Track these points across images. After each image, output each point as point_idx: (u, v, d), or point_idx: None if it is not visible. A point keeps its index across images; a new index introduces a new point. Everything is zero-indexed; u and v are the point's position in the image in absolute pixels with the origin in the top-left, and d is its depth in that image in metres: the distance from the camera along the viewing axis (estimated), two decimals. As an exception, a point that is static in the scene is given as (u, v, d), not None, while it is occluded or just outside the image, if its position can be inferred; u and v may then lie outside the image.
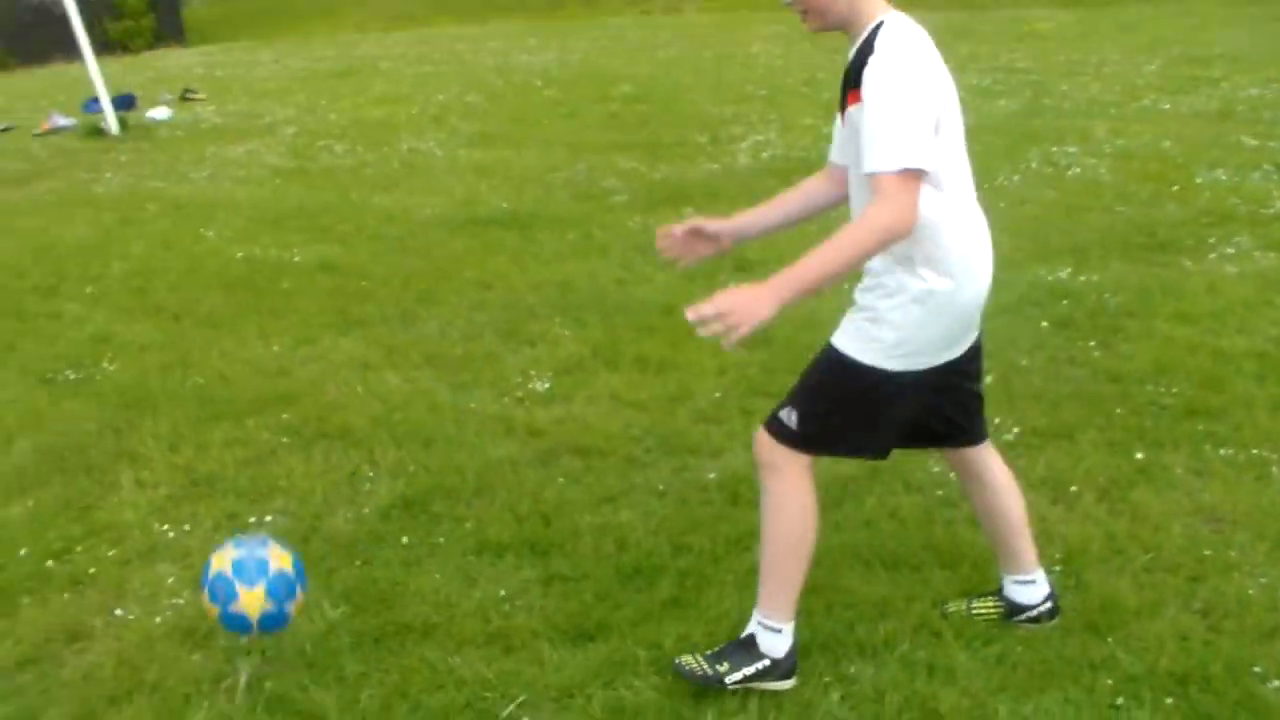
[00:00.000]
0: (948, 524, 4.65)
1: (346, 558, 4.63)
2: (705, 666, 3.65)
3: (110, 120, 17.12)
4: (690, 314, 3.12)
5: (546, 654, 3.94)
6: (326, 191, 11.52)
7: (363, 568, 4.56)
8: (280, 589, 3.62)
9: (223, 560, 3.63)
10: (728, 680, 3.61)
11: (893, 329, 3.42)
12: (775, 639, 3.66)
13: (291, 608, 3.67)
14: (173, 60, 30.71)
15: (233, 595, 3.57)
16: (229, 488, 5.32)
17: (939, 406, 3.67)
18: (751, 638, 3.69)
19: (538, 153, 12.41)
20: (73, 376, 6.97)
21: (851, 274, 3.35)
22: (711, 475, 5.13)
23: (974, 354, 3.70)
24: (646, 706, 3.65)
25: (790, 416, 3.56)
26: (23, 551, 4.94)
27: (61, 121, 18.51)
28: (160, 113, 18.28)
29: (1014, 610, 4.00)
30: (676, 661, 3.70)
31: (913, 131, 3.13)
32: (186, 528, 5.01)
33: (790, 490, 3.58)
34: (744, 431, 5.49)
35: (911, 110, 3.15)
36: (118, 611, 4.42)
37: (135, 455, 5.75)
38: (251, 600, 3.57)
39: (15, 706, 3.92)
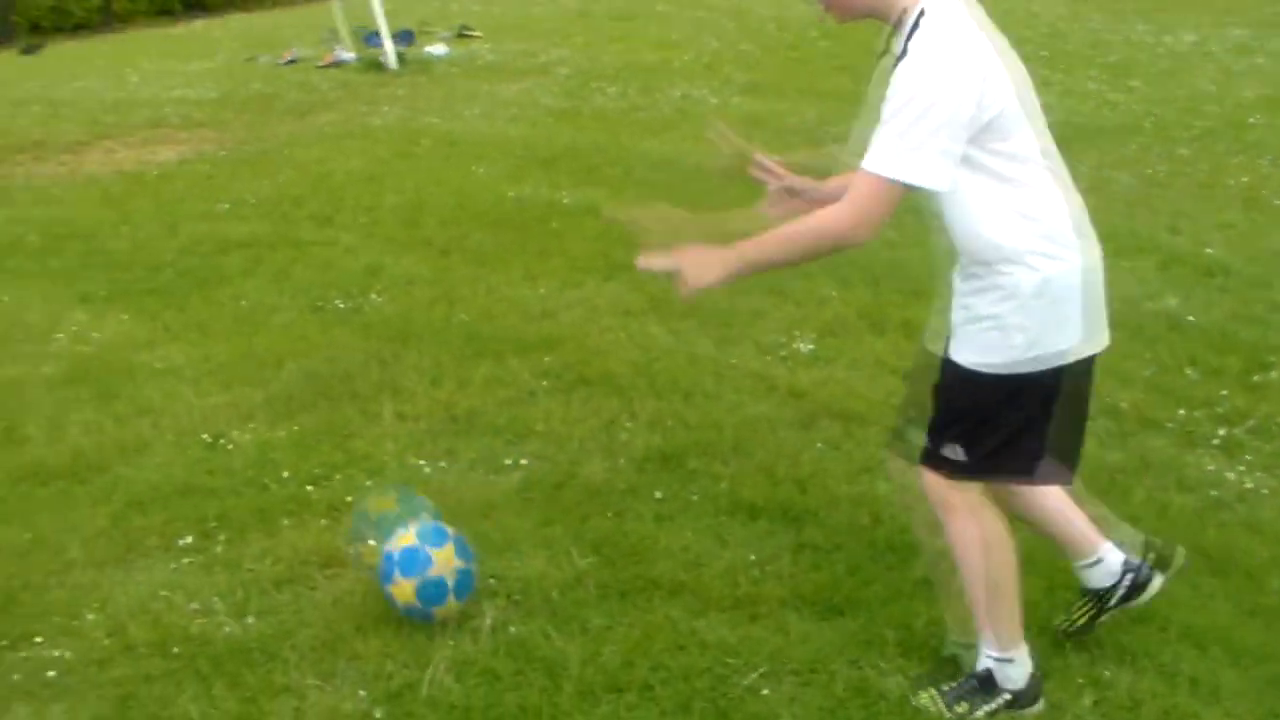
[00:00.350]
0: (1221, 527, 4.43)
1: (599, 507, 4.66)
2: (945, 709, 3.48)
3: (389, 55, 17.60)
4: (640, 263, 3.16)
5: (792, 625, 3.90)
6: (597, 133, 11.62)
7: (614, 519, 4.58)
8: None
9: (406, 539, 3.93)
10: None
11: (1021, 331, 3.18)
12: (1010, 669, 3.46)
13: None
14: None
15: (428, 561, 3.84)
16: (487, 426, 5.40)
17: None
18: (988, 673, 3.47)
19: (811, 105, 12.27)
20: (342, 306, 7.20)
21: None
22: (974, 449, 4.98)
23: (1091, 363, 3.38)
24: (891, 690, 3.57)
25: (955, 451, 3.32)
26: (285, 474, 5.13)
27: (344, 55, 19.11)
28: (437, 49, 18.72)
29: (1099, 599, 3.70)
30: (912, 704, 3.52)
31: (919, 144, 2.96)
32: (443, 464, 5.12)
33: (973, 525, 3.37)
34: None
35: (928, 122, 2.96)
36: (370, 542, 4.53)
37: (398, 388, 5.90)
38: (444, 559, 3.87)
39: (270, 623, 4.08)
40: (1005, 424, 3.30)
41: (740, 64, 15.12)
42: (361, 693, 3.67)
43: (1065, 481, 3.57)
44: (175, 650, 3.95)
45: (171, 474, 5.23)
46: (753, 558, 4.27)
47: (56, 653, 4.00)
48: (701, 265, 3.13)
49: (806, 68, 14.69)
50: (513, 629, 3.92)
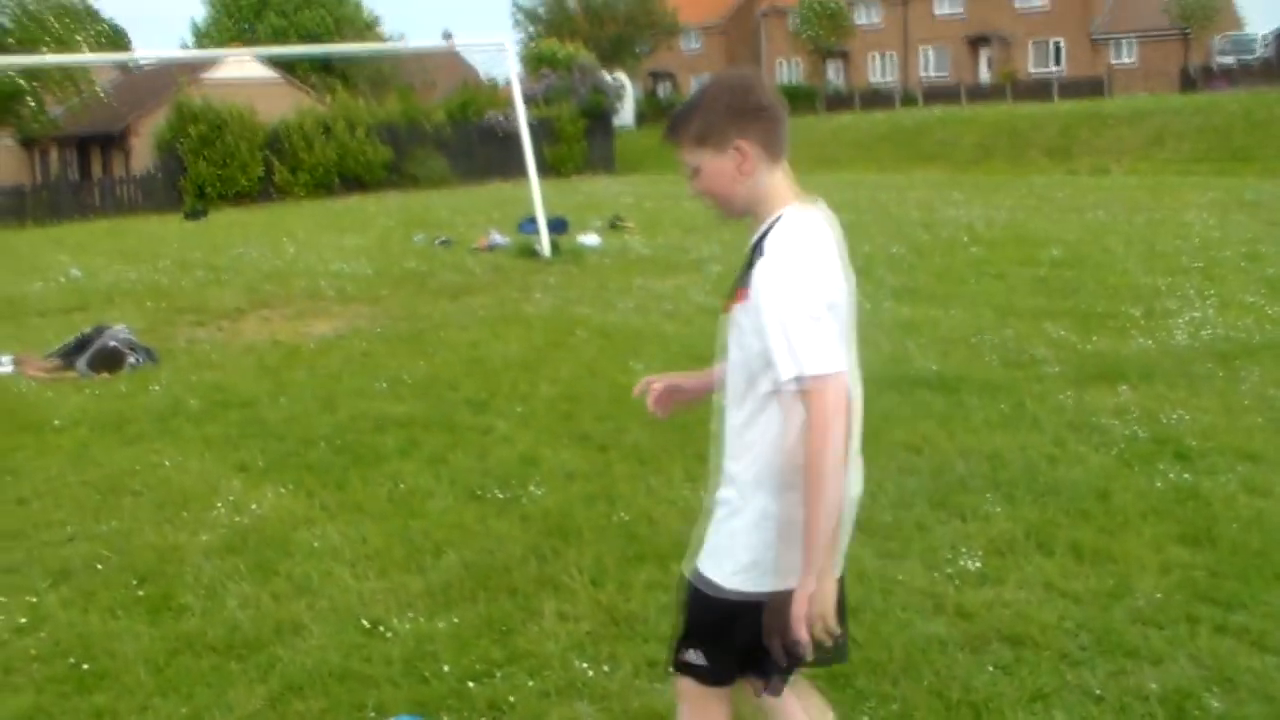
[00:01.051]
0: None
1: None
2: None
3: (544, 243, 17.99)
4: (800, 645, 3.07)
5: None
6: (751, 333, 11.63)
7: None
8: None
9: None
10: None
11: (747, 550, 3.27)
12: None
13: None
14: (600, 187, 32.25)
15: None
16: (650, 632, 5.32)
17: None
18: None
19: (964, 313, 12.23)
20: (500, 496, 7.22)
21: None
22: (1153, 685, 4.77)
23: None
24: None
25: None
26: (446, 668, 5.10)
27: (498, 239, 19.62)
28: (590, 239, 19.13)
29: None
30: None
31: (821, 335, 3.05)
32: (606, 668, 5.04)
33: None
34: (1189, 640, 5.15)
35: (811, 315, 3.06)
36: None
37: (558, 584, 5.87)
38: None
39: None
40: None
41: (892, 267, 15.19)
42: None
43: None
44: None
45: (328, 658, 5.24)
46: (932, 788, 4.12)
47: None
48: (810, 605, 3.04)
49: (958, 273, 14.70)
50: None
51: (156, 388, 10.81)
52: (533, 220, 18.97)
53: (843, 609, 3.35)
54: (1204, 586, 5.65)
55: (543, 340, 11.81)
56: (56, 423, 9.73)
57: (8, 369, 12.04)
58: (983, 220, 19.85)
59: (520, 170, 19.94)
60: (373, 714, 4.73)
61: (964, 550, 6.08)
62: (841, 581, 3.39)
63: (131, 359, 11.83)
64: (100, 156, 51.94)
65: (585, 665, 5.04)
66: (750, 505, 3.27)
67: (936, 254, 16.32)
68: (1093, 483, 7.00)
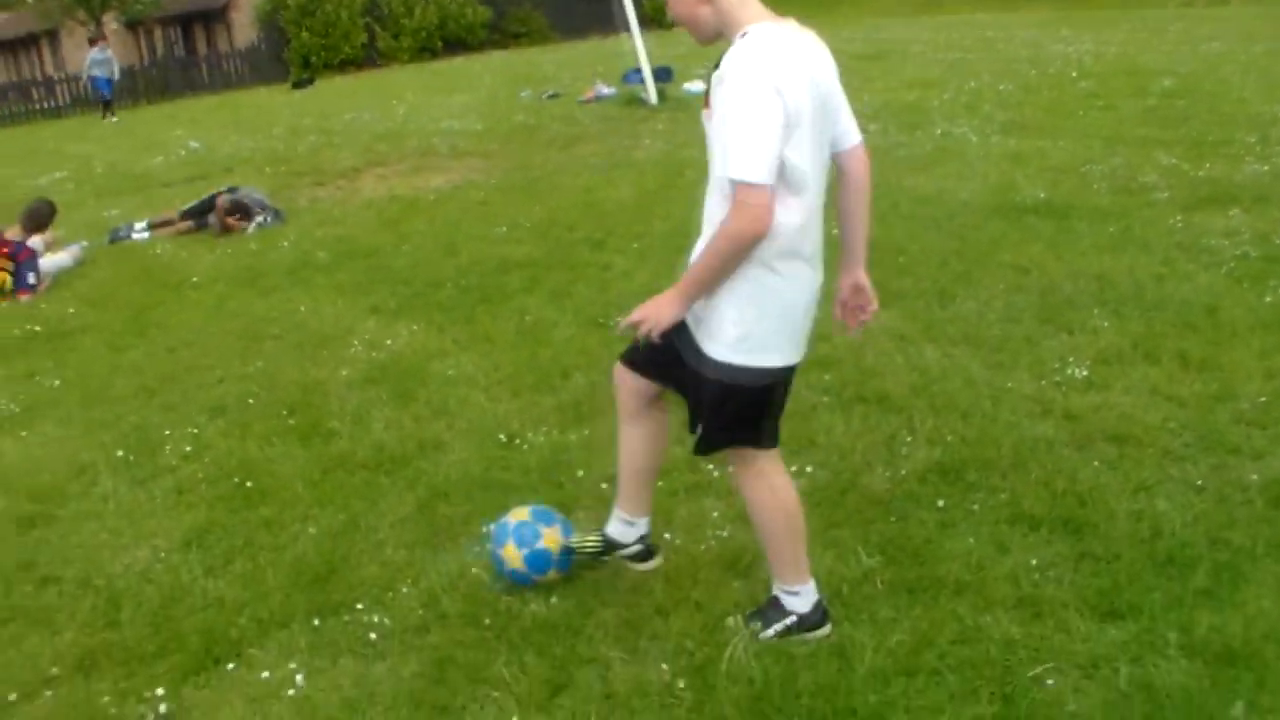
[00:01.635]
0: None
1: (883, 513, 4.84)
2: (743, 625, 4.07)
3: (650, 91, 18.08)
4: (620, 327, 3.73)
5: (1074, 625, 4.00)
6: (859, 170, 11.74)
7: (897, 523, 4.75)
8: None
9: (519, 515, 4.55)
10: (761, 636, 4.01)
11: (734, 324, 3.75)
12: (795, 600, 4.02)
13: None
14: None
15: (538, 535, 4.45)
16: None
17: None
18: (775, 599, 4.08)
19: (1073, 144, 12.20)
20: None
21: None
22: (1254, 477, 4.98)
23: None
24: (1174, 688, 3.66)
25: None
26: (580, 473, 5.47)
27: (605, 90, 19.73)
28: (696, 86, 19.15)
29: (612, 546, 4.50)
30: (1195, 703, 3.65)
31: (761, 147, 3.39)
32: (731, 468, 5.32)
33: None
34: (1291, 438, 5.33)
35: (759, 126, 3.39)
36: (665, 535, 4.80)
37: (680, 400, 6.11)
38: (552, 536, 4.47)
39: (573, 602, 4.40)
40: None
41: (1000, 103, 15.10)
42: (664, 666, 3.94)
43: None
44: (486, 622, 4.32)
45: (470, 470, 5.63)
46: (1034, 562, 4.39)
47: (376, 618, 4.44)
48: (659, 309, 3.71)
49: (1066, 107, 14.59)
50: (805, 616, 4.13)
51: (285, 244, 11.25)
52: (637, 70, 19.02)
53: (783, 400, 4.03)
54: (1312, 392, 5.81)
55: (654, 183, 12.01)
56: (195, 280, 10.23)
57: (144, 235, 12.54)
58: (1092, 55, 19.53)
59: (618, 24, 19.95)
60: (513, 515, 5.08)
61: (1071, 361, 6.28)
62: (792, 371, 3.98)
63: (260, 217, 12.24)
64: (204, 33, 52.44)
65: (712, 467, 5.33)
66: None
67: (1044, 89, 16.16)
68: (1200, 299, 7.12)
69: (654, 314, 3.71)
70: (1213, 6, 29.62)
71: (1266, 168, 10.67)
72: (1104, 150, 11.77)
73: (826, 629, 4.03)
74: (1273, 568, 4.30)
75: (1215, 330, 6.60)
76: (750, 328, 3.73)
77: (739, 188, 3.43)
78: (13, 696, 4.21)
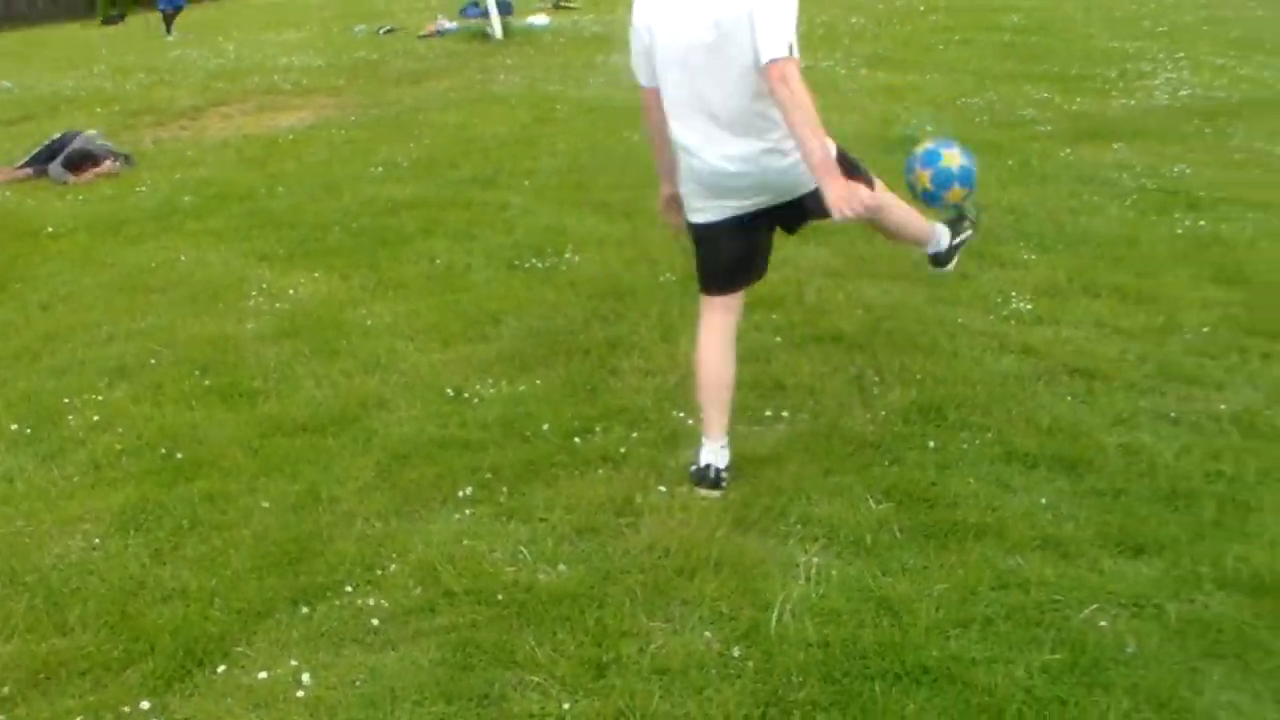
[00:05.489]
0: None
1: (877, 456, 4.74)
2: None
3: (495, 25, 17.73)
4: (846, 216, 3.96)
5: (1105, 564, 3.97)
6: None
7: (894, 467, 4.66)
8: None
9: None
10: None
11: None
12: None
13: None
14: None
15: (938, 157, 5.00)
16: (738, 380, 5.45)
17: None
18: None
19: (943, 78, 12.29)
20: (539, 265, 7.30)
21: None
22: (1222, 407, 5.04)
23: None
24: (1225, 620, 3.65)
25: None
26: (544, 426, 5.20)
27: (447, 25, 19.30)
28: (539, 19, 18.91)
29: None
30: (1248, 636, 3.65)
31: (793, 31, 4.04)
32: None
33: None
34: (1242, 367, 5.42)
35: (791, 16, 4.06)
36: (661, 489, 4.61)
37: (629, 343, 5.98)
38: (951, 156, 5.01)
39: (586, 569, 4.14)
40: None
41: (856, 37, 15.16)
42: (708, 634, 3.74)
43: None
44: (499, 597, 4.00)
45: (425, 428, 5.32)
46: (1043, 501, 4.35)
47: (371, 601, 4.06)
48: (846, 192, 3.93)
49: (923, 40, 14.71)
50: (835, 571, 4.00)
51: (142, 188, 10.60)
52: (475, 4, 18.64)
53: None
54: (1245, 320, 5.92)
55: (528, 118, 11.75)
56: (50, 229, 9.47)
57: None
58: (931, -14, 19.77)
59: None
60: (488, 475, 4.80)
61: (1013, 294, 6.29)
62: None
63: (108, 162, 11.61)
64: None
65: (682, 415, 5.17)
66: None
67: (896, 21, 16.29)
68: (1118, 231, 7.21)
69: (849, 197, 3.91)
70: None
71: (1133, 102, 10.91)
72: (975, 85, 11.89)
73: (715, 494, 4.53)
74: (1271, 495, 4.36)
75: (1142, 262, 6.69)
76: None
77: (789, 63, 3.94)
78: (-40, 728, 3.70)
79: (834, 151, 4.18)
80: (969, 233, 5.24)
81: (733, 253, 4.65)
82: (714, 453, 4.62)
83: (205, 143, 12.66)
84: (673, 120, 4.44)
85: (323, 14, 25.91)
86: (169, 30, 24.72)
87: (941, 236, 5.16)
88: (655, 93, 4.48)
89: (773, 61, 3.94)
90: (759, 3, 4.00)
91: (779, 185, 4.41)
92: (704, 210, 4.55)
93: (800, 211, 4.53)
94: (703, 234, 4.64)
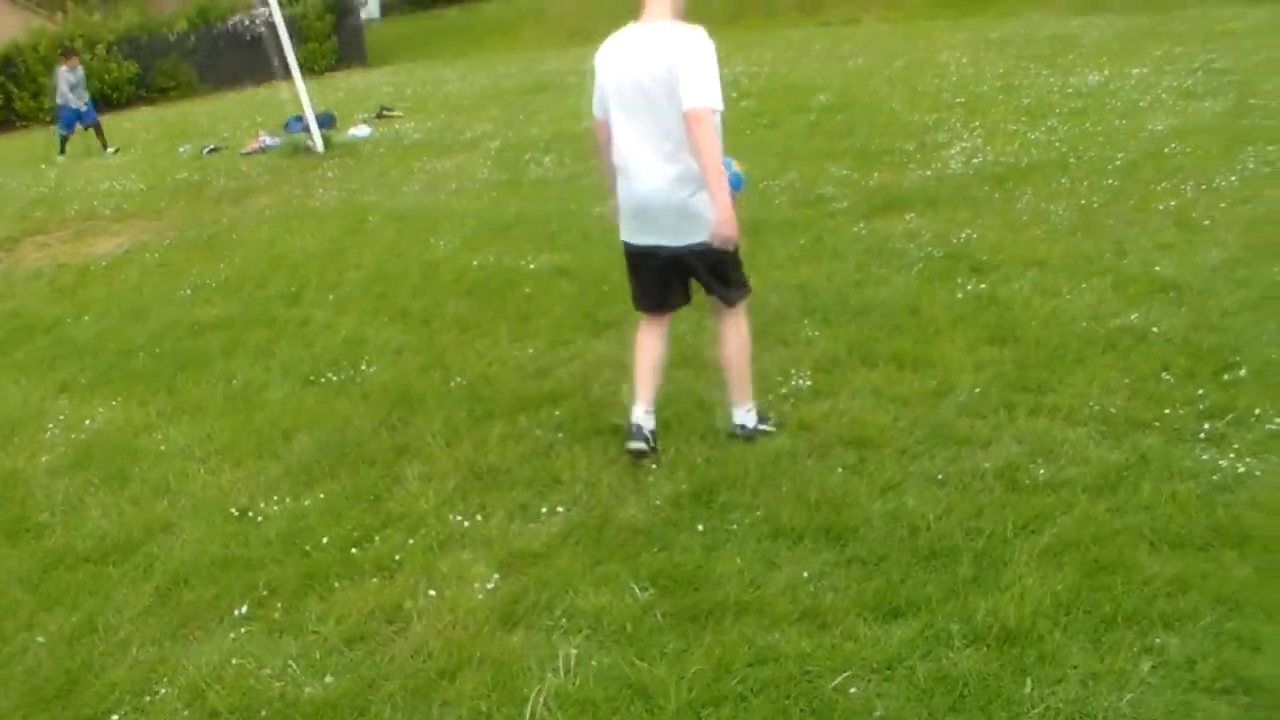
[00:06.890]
0: (1228, 507, 4.67)
1: (646, 544, 4.82)
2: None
3: (316, 139, 17.74)
4: (722, 244, 5.18)
5: (861, 630, 4.08)
6: (544, 202, 11.83)
7: (661, 553, 4.74)
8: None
9: None
10: None
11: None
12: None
13: None
14: (358, 80, 31.56)
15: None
16: (514, 479, 5.55)
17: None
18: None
19: (749, 162, 12.37)
20: (335, 378, 7.31)
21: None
22: (986, 464, 5.21)
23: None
24: (969, 676, 3.78)
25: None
26: (325, 539, 5.23)
27: (269, 141, 19.27)
28: (361, 130, 18.94)
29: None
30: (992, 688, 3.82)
31: (717, 85, 4.97)
32: (479, 518, 5.24)
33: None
34: (1009, 424, 5.60)
35: (715, 72, 4.95)
36: (430, 593, 4.65)
37: (414, 450, 6.03)
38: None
39: (351, 679, 4.18)
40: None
41: (668, 127, 15.39)
42: (465, 732, 3.77)
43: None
44: (262, 713, 4.02)
45: (206, 549, 5.31)
46: (805, 574, 4.45)
47: None
48: (728, 224, 5.03)
49: (734, 125, 14.93)
50: (594, 662, 4.06)
51: (-54, 325, 10.43)
52: (299, 119, 18.64)
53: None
54: (1015, 378, 6.13)
55: (338, 230, 11.74)
56: None
57: None
58: (747, 75, 20.14)
59: (271, 73, 19.53)
60: (264, 592, 4.83)
61: (793, 372, 6.44)
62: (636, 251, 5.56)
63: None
64: None
65: (459, 518, 5.24)
66: None
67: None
68: (900, 300, 7.42)
69: (730, 222, 5.01)
70: (847, 25, 31.02)
71: (929, 172, 11.22)
72: (779, 166, 12.15)
73: (643, 446, 5.49)
74: (1025, 547, 4.51)
75: (920, 329, 6.88)
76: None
77: (705, 110, 4.87)
78: None
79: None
80: (770, 427, 5.78)
81: (650, 282, 5.60)
82: (642, 416, 5.55)
83: (17, 275, 12.44)
84: (617, 148, 5.33)
85: (148, 136, 25.70)
86: (63, 151, 23.94)
87: (753, 412, 5.75)
88: (606, 125, 5.42)
89: (691, 109, 4.85)
90: (684, 60, 4.91)
91: (682, 227, 5.27)
92: (634, 232, 5.48)
93: (687, 266, 5.48)
94: (629, 254, 5.60)
